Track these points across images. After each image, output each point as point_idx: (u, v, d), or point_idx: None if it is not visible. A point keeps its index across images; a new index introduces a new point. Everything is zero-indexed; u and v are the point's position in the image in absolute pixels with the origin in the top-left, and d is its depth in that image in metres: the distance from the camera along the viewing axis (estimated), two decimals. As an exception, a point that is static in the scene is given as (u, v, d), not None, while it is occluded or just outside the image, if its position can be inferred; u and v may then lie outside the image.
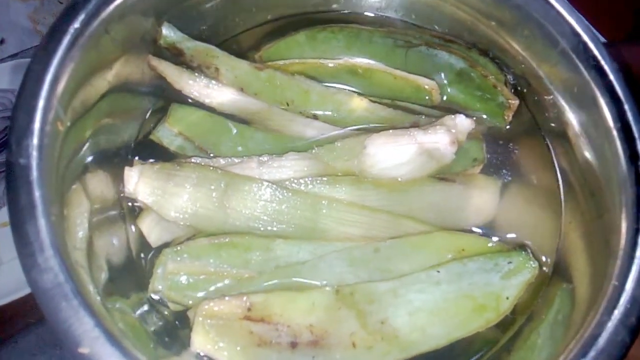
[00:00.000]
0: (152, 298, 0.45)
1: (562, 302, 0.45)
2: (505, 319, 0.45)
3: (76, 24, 0.41)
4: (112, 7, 0.43)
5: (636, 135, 0.42)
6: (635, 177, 0.41)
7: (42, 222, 0.34)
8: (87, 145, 0.45)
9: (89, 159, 0.45)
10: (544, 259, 0.50)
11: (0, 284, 0.82)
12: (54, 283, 0.33)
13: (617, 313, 0.37)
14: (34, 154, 0.36)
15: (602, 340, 0.36)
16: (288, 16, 0.59)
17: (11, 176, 0.36)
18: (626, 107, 0.43)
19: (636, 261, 0.38)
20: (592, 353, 0.36)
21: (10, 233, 0.89)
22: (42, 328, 0.84)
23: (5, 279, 0.83)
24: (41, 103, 0.38)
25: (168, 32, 0.51)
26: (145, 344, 0.40)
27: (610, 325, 0.36)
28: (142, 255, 0.48)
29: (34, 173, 0.36)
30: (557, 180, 0.52)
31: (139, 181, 0.46)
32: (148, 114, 0.54)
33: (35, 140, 0.37)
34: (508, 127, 0.54)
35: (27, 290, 0.80)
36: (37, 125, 0.37)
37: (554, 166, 0.53)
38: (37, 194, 0.35)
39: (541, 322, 0.45)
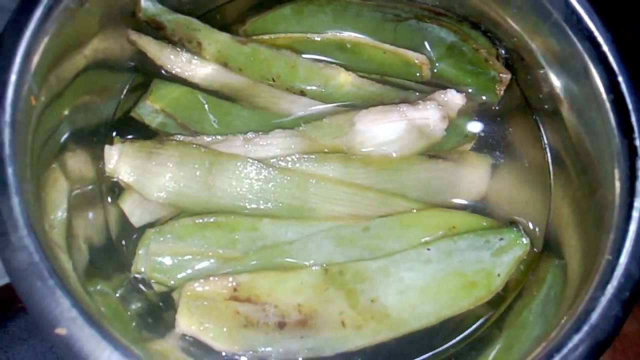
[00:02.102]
0: (134, 280, 0.45)
1: (554, 279, 0.45)
2: (497, 296, 0.45)
3: None
4: (87, -23, 0.41)
5: (630, 107, 0.41)
6: (628, 150, 0.40)
7: (15, 200, 0.33)
8: (64, 123, 0.43)
9: (67, 137, 0.44)
10: (536, 234, 0.49)
11: (-14, 270, 0.81)
12: (28, 262, 0.32)
13: (610, 287, 0.36)
14: (7, 130, 0.35)
15: (595, 316, 0.36)
16: (273, -13, 0.58)
17: (-18, 153, 0.34)
18: (620, 78, 0.42)
19: (630, 235, 0.38)
20: (585, 328, 0.35)
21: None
22: (32, 313, 0.84)
23: (-9, 264, 0.82)
24: (13, 77, 0.36)
25: (147, 5, 0.49)
26: (127, 327, 0.40)
27: (604, 300, 0.36)
28: (124, 236, 0.47)
29: (7, 149, 0.35)
30: (547, 157, 0.52)
31: (120, 160, 0.45)
32: (126, 90, 0.52)
33: (7, 117, 0.35)
34: (499, 102, 0.53)
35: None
36: (9, 100, 0.36)
37: (544, 143, 0.52)
38: (9, 170, 0.34)
39: (533, 299, 0.45)
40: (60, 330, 0.31)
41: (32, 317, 0.31)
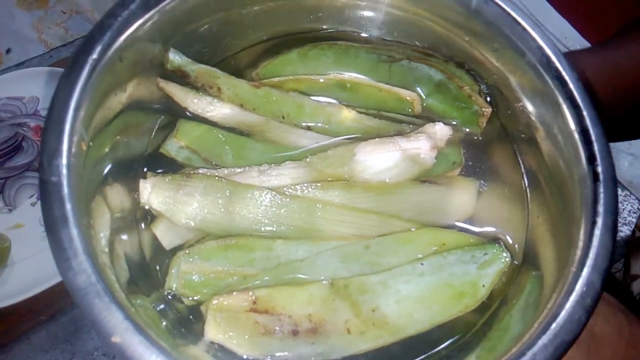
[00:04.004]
0: (168, 295, 0.50)
1: (532, 288, 0.50)
2: (482, 304, 0.49)
3: (94, 55, 0.45)
4: (124, 37, 0.47)
5: (593, 138, 0.46)
6: (592, 175, 0.45)
7: (74, 231, 0.39)
8: (104, 160, 0.49)
9: (107, 172, 0.49)
10: (516, 248, 0.54)
11: (13, 283, 0.85)
12: (87, 283, 0.37)
13: (575, 295, 0.41)
14: (64, 172, 0.40)
15: (561, 319, 0.40)
16: (282, 36, 0.64)
17: (44, 192, 0.40)
18: (585, 112, 0.47)
19: (592, 250, 0.42)
20: (552, 327, 0.40)
21: (21, 234, 0.94)
22: (54, 325, 0.89)
23: (17, 278, 0.85)
24: (67, 127, 0.42)
25: (174, 57, 0.55)
26: (165, 335, 0.45)
27: (569, 305, 0.41)
28: (157, 257, 0.52)
29: (65, 189, 0.40)
30: (525, 181, 0.57)
31: (152, 192, 0.50)
32: (156, 130, 0.58)
33: (64, 160, 0.41)
34: (482, 133, 0.59)
35: (39, 289, 0.82)
36: (65, 146, 0.41)
37: (522, 168, 0.58)
38: (68, 207, 0.39)
39: (513, 306, 0.49)
40: (116, 338, 0.37)
41: (92, 329, 0.37)
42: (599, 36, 0.98)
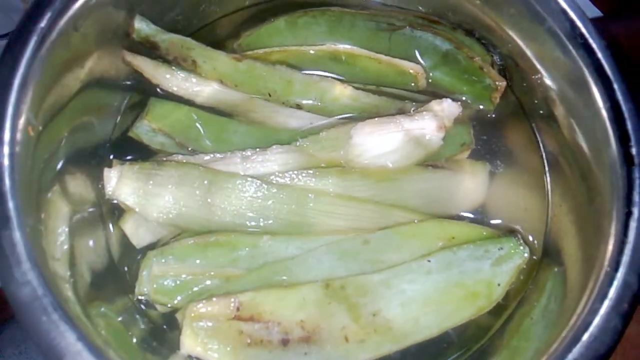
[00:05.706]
0: (138, 301, 0.45)
1: (554, 287, 0.46)
2: (498, 305, 0.45)
3: (42, 23, 0.39)
4: (80, 2, 0.41)
5: (626, 115, 0.42)
6: (625, 158, 0.40)
7: (17, 235, 0.34)
8: (62, 146, 0.44)
9: (65, 160, 0.44)
10: (534, 241, 0.50)
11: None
12: (32, 297, 0.33)
13: (609, 300, 0.37)
14: (6, 163, 0.35)
15: (594, 328, 0.36)
16: (267, 1, 0.58)
17: (-18, 187, 0.35)
18: (615, 86, 0.42)
19: (628, 246, 0.38)
20: (584, 340, 0.36)
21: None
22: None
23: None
24: (10, 110, 0.36)
25: (141, 26, 0.49)
26: (131, 351, 0.40)
27: (603, 312, 0.36)
28: (126, 258, 0.47)
29: (7, 183, 0.35)
30: (544, 163, 0.52)
31: (119, 182, 0.45)
32: (123, 109, 0.53)
33: (6, 149, 0.36)
34: (495, 109, 0.54)
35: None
36: (6, 134, 0.36)
37: (541, 149, 0.53)
38: (10, 205, 0.34)
39: (533, 308, 0.45)
40: (67, 364, 0.31)
41: (40, 350, 0.31)
42: (609, 6, 0.92)
